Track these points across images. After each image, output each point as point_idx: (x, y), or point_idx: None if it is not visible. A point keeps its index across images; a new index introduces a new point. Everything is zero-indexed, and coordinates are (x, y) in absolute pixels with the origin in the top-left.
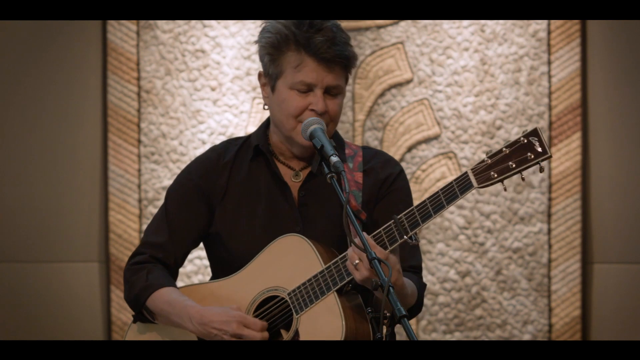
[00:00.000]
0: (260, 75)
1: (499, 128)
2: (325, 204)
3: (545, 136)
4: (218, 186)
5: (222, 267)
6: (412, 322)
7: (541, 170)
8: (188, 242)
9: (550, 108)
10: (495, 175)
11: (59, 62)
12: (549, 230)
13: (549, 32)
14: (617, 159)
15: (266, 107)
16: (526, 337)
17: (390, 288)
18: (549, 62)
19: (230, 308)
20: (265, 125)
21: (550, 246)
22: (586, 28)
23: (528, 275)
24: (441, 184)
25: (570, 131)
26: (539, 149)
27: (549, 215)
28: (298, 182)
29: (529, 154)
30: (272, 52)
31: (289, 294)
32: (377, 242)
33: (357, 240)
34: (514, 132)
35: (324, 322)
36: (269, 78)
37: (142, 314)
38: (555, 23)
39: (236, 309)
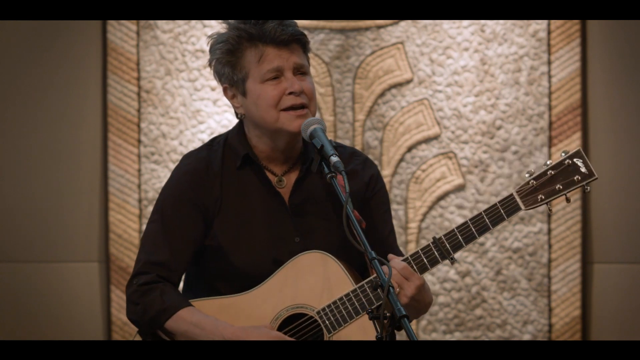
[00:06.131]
0: (225, 90)
1: (499, 128)
2: (317, 212)
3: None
4: (212, 198)
5: (221, 280)
6: (412, 322)
7: (585, 191)
8: (189, 257)
9: (550, 108)
10: (543, 198)
11: (59, 62)
12: (549, 230)
13: (549, 32)
14: (617, 159)
15: (242, 115)
16: (526, 337)
17: (390, 288)
18: (549, 62)
19: (265, 328)
20: (239, 132)
21: (550, 246)
22: (586, 28)
23: (528, 275)
24: (441, 184)
25: (570, 131)
26: (584, 170)
27: (549, 215)
28: (282, 188)
29: (576, 176)
30: (231, 59)
31: (318, 312)
32: (416, 263)
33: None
34: (514, 132)
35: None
36: (237, 85)
37: (154, 334)
38: (555, 23)
39: (269, 328)
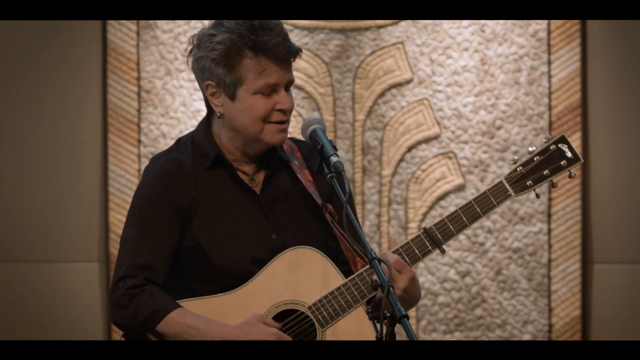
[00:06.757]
0: (207, 87)
1: (499, 128)
2: (289, 209)
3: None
4: (188, 199)
5: (199, 280)
6: (412, 322)
7: (570, 176)
8: (170, 259)
9: (550, 108)
10: (531, 184)
11: (59, 62)
12: (549, 230)
13: (549, 32)
14: (617, 159)
15: (220, 115)
16: (526, 337)
17: (390, 288)
18: (549, 62)
19: (261, 323)
20: (206, 132)
21: (550, 246)
22: (586, 28)
23: (528, 275)
24: (441, 184)
25: (570, 131)
26: (570, 155)
27: (549, 215)
28: (254, 186)
29: (562, 161)
30: (227, 62)
31: (309, 307)
32: (407, 254)
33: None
34: (514, 132)
35: (354, 335)
36: (226, 87)
37: (142, 336)
38: (555, 23)
39: (258, 319)
